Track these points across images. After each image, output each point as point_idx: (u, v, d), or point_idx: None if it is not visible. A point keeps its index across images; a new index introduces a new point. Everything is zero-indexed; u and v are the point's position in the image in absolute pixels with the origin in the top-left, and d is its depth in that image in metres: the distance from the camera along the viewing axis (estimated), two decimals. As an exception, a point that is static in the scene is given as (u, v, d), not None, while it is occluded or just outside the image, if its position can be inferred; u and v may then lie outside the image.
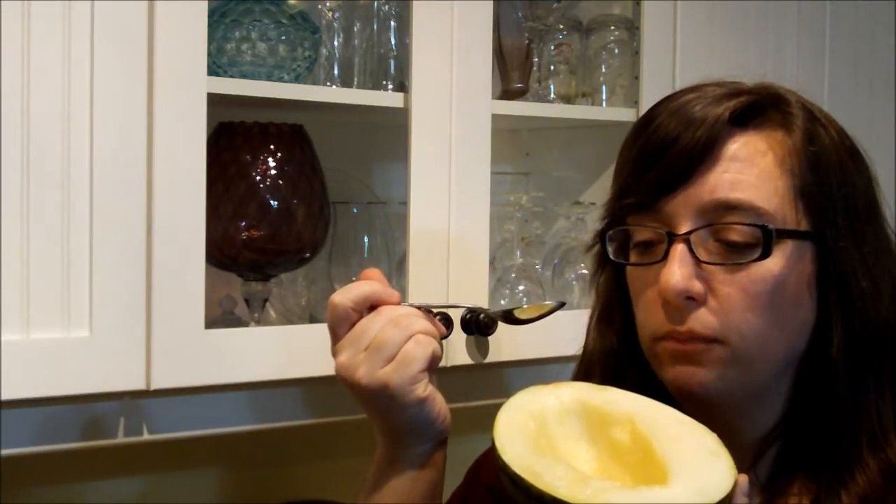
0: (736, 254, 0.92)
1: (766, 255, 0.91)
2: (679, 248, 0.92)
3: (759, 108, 0.95)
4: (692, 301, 0.92)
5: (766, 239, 0.91)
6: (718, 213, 0.92)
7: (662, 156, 0.93)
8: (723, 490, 0.80)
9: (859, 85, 1.86)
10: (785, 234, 0.92)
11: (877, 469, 0.92)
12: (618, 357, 1.03)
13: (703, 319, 0.92)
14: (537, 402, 0.91)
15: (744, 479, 0.82)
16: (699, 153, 0.92)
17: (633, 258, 0.98)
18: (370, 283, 0.98)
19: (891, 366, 0.95)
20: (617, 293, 1.02)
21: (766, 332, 0.93)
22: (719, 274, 0.92)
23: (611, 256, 0.99)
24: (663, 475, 0.82)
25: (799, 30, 1.76)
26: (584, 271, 1.59)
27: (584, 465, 0.87)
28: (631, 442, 0.88)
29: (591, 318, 1.07)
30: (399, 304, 0.97)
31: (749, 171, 0.93)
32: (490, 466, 0.98)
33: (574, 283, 1.61)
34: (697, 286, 0.92)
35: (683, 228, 0.93)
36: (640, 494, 0.80)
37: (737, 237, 0.92)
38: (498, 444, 0.85)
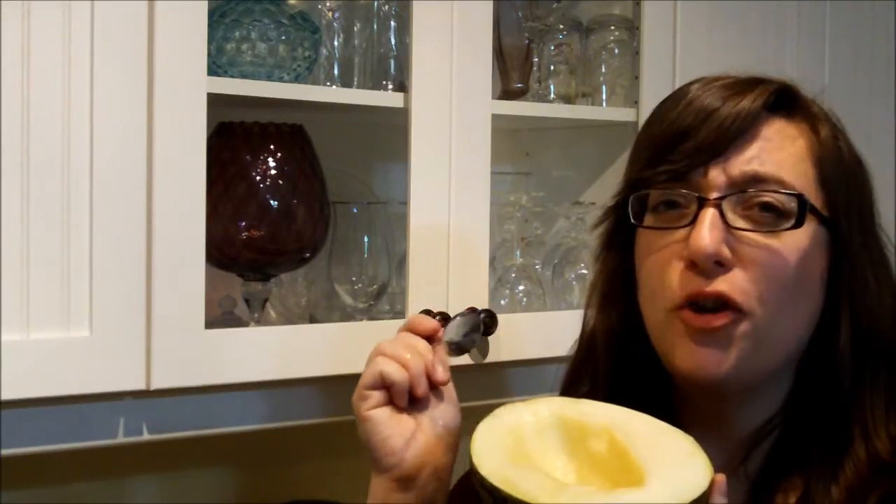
0: (767, 223, 0.93)
1: (800, 223, 0.92)
2: (710, 212, 0.92)
3: (788, 98, 0.98)
4: (719, 266, 0.92)
5: (800, 208, 0.92)
6: (749, 185, 0.93)
7: (700, 127, 0.94)
8: (698, 489, 0.80)
9: (859, 85, 1.86)
10: (814, 212, 0.94)
11: (865, 459, 0.93)
12: (621, 335, 1.03)
13: (731, 282, 0.92)
14: (514, 418, 0.92)
15: (721, 478, 0.82)
16: (736, 128, 0.93)
17: (649, 223, 0.98)
18: (411, 315, 1.03)
19: (886, 360, 0.96)
20: (622, 272, 1.02)
21: (784, 305, 0.93)
22: (749, 241, 0.93)
23: (632, 220, 0.98)
24: (641, 479, 0.83)
25: (799, 30, 1.76)
26: (584, 271, 1.59)
27: (563, 477, 0.88)
28: (609, 452, 0.88)
29: (588, 298, 1.07)
30: (430, 332, 0.99)
31: (781, 152, 0.94)
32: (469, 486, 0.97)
33: (574, 283, 1.61)
34: (726, 251, 0.92)
35: (715, 195, 0.93)
36: (616, 496, 0.81)
37: (767, 208, 0.93)
38: (475, 460, 0.86)
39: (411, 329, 0.99)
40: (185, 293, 1.17)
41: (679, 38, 1.59)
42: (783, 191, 0.93)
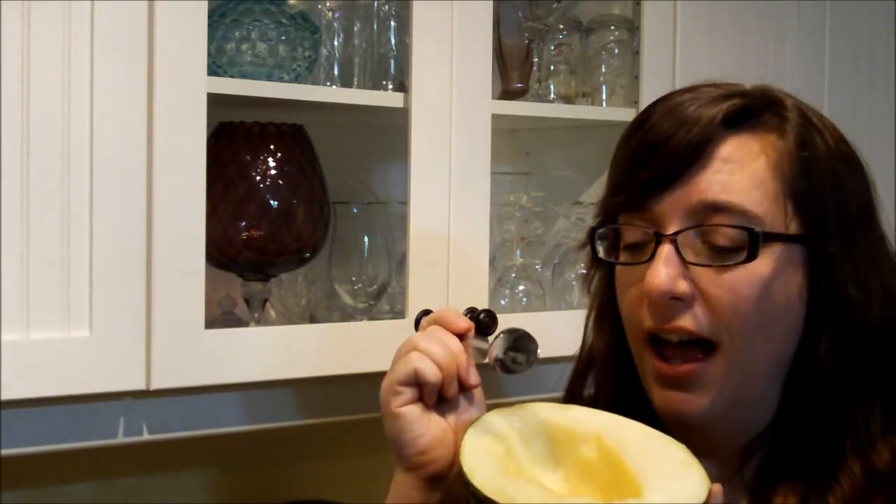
0: (723, 256, 0.92)
1: (751, 257, 0.91)
2: (666, 249, 0.92)
3: (753, 110, 0.95)
4: (678, 301, 0.92)
5: (752, 242, 0.91)
6: (707, 214, 0.92)
7: (654, 155, 0.93)
8: (697, 500, 0.79)
9: (859, 85, 1.86)
10: (773, 238, 0.92)
11: (861, 474, 0.92)
12: (618, 351, 1.02)
13: (693, 317, 0.92)
14: (502, 425, 0.91)
15: (718, 488, 0.81)
16: (690, 154, 0.92)
17: (622, 258, 0.98)
18: (443, 309, 0.99)
19: (879, 373, 0.94)
20: (611, 291, 1.02)
21: (755, 335, 0.92)
22: (706, 275, 0.92)
23: (601, 255, 0.99)
24: (636, 489, 0.82)
25: (799, 30, 1.76)
26: (584, 271, 1.59)
27: (553, 485, 0.87)
28: (599, 459, 0.87)
29: (588, 316, 1.08)
30: (462, 331, 0.96)
31: (740, 173, 0.92)
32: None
33: (574, 283, 1.61)
34: (683, 286, 0.92)
35: (671, 229, 0.92)
36: None
37: (723, 240, 0.92)
38: (466, 469, 0.85)
39: (442, 324, 0.96)
40: (185, 293, 1.17)
41: (679, 38, 1.59)
42: (733, 225, 0.91)
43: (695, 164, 0.92)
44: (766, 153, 0.93)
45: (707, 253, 0.92)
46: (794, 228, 0.93)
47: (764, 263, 0.91)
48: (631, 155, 0.96)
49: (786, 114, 0.96)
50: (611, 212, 0.98)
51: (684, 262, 0.92)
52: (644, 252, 0.95)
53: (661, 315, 0.93)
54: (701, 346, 0.93)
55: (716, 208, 0.92)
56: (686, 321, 0.92)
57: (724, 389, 0.93)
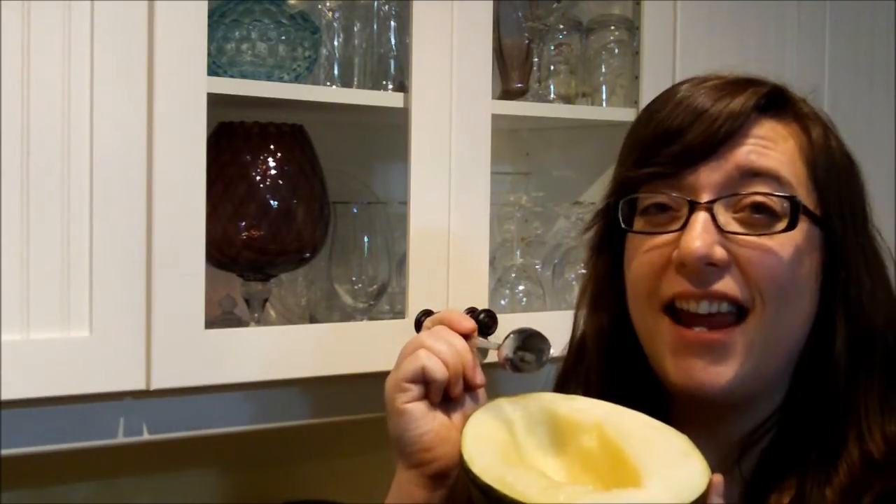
0: (759, 223, 0.93)
1: (792, 225, 0.92)
2: (702, 216, 0.92)
3: (778, 99, 0.97)
4: (713, 267, 0.92)
5: (793, 210, 0.92)
6: (744, 181, 0.93)
7: (689, 128, 0.94)
8: (697, 489, 0.80)
9: (859, 85, 1.86)
10: (805, 213, 0.93)
11: (859, 461, 0.92)
12: (612, 339, 1.03)
13: (728, 283, 0.92)
14: (504, 414, 0.91)
15: (719, 478, 0.82)
16: (727, 130, 0.93)
17: (639, 226, 0.98)
18: (447, 309, 1.00)
19: (880, 364, 0.96)
20: (612, 275, 1.02)
21: (784, 303, 0.93)
22: (742, 243, 0.92)
23: (622, 225, 0.98)
24: (636, 478, 0.82)
25: (799, 30, 1.76)
26: (584, 271, 1.59)
27: (554, 474, 0.87)
28: (600, 449, 0.88)
29: (579, 302, 1.07)
30: (468, 331, 0.96)
31: (774, 149, 0.94)
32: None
33: (574, 283, 1.61)
34: (720, 252, 0.92)
35: (706, 197, 0.93)
36: (614, 496, 0.80)
37: (761, 206, 0.93)
38: (466, 457, 0.85)
39: (447, 325, 0.97)
40: (185, 293, 1.17)
41: (679, 38, 1.59)
42: (775, 193, 0.93)
43: (729, 140, 0.93)
44: (794, 138, 0.96)
45: (742, 220, 0.93)
46: (817, 212, 0.95)
47: (798, 233, 0.93)
48: (661, 127, 0.96)
49: (802, 108, 0.99)
50: (634, 183, 0.98)
51: (720, 231, 0.92)
52: (672, 221, 0.95)
53: (694, 281, 0.93)
54: (729, 316, 0.93)
55: (753, 174, 0.93)
56: (722, 285, 0.92)
57: (747, 362, 0.93)
